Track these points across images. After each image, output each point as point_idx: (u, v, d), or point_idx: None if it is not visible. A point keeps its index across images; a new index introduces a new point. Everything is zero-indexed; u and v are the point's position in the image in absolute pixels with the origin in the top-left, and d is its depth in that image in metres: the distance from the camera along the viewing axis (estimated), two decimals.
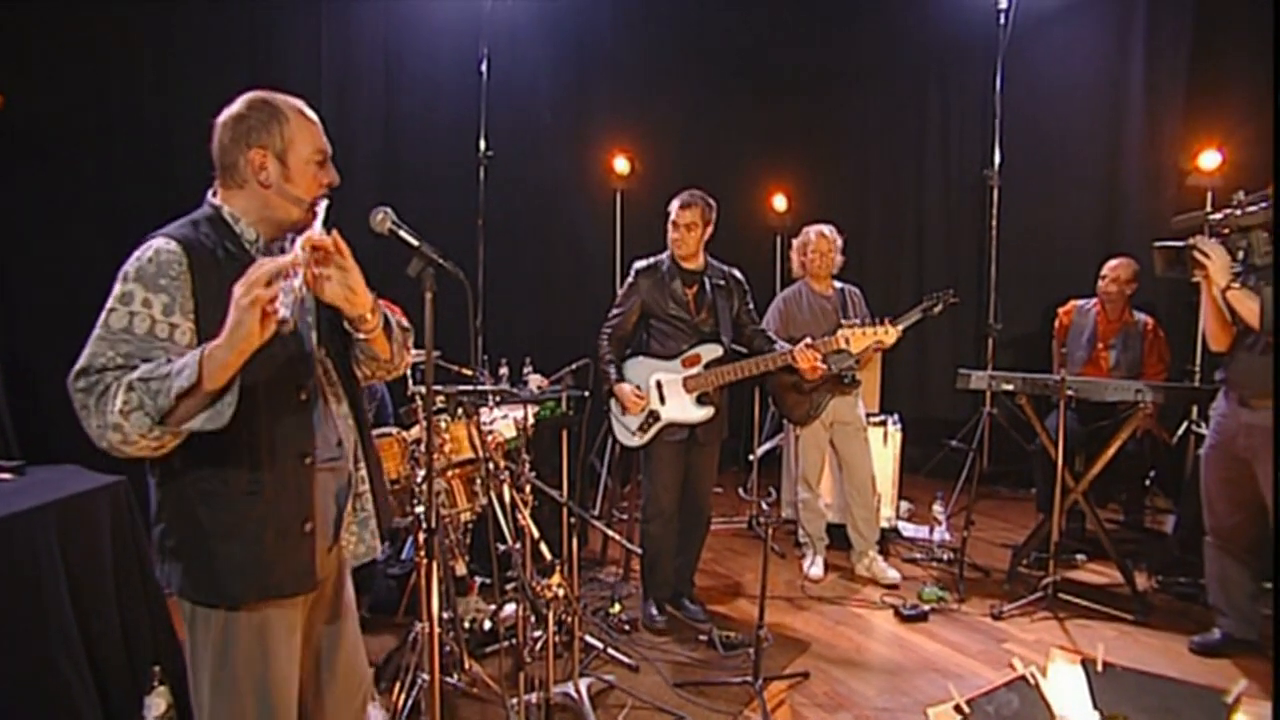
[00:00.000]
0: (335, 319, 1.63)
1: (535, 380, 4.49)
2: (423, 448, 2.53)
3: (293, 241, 1.64)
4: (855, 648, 3.37)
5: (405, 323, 1.77)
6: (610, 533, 3.14)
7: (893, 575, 4.06)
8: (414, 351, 3.00)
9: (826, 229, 4.14)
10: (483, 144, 5.34)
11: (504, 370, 4.60)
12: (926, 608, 3.68)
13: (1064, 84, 5.68)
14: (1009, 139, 5.74)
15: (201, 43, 4.04)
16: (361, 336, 1.61)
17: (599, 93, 6.04)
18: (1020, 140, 5.75)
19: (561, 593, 2.10)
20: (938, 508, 4.73)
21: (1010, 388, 3.82)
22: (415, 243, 1.66)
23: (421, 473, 2.53)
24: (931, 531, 4.69)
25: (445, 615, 2.98)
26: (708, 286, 3.45)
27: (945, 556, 4.39)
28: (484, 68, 5.28)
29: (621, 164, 5.82)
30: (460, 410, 2.70)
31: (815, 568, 4.18)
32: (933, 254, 6.58)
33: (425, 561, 1.76)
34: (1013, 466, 5.73)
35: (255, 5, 4.31)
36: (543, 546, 2.23)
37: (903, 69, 6.60)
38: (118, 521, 2.43)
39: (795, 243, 4.25)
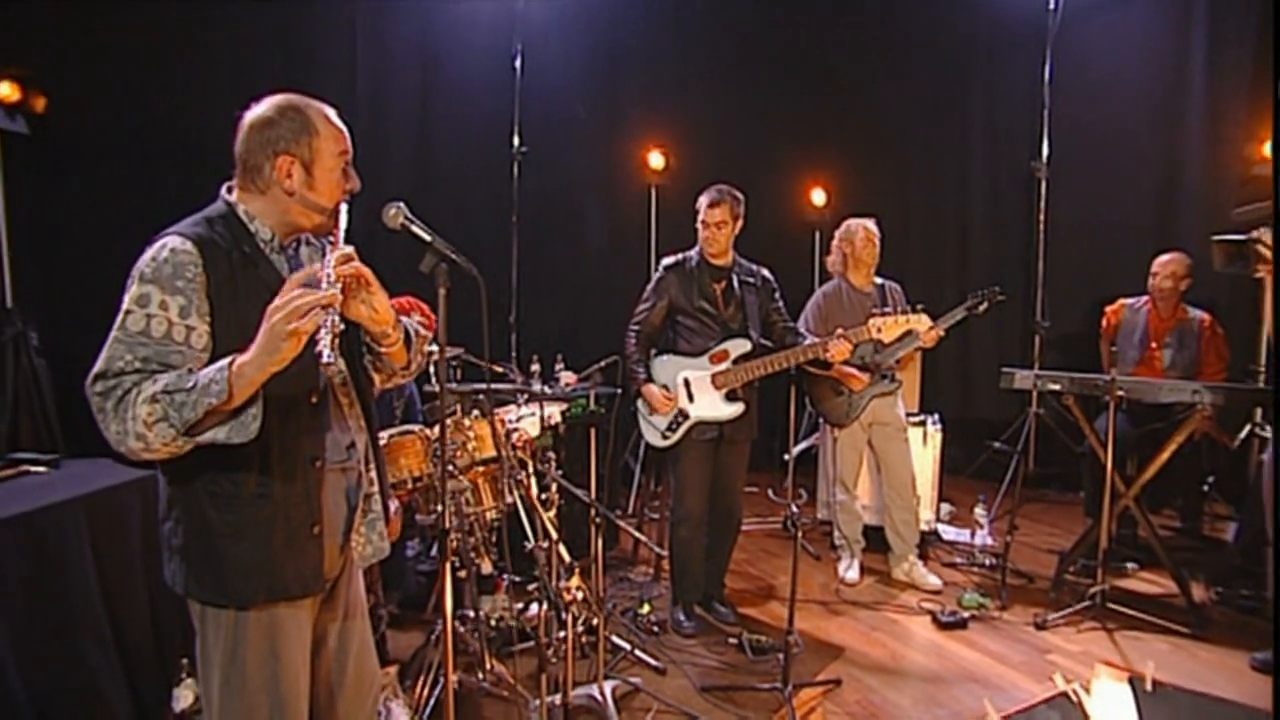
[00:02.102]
0: (349, 321, 1.61)
1: (567, 377, 4.46)
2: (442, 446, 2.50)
3: (309, 244, 1.63)
4: (890, 655, 3.27)
5: (422, 329, 1.74)
6: (636, 534, 3.09)
7: (933, 581, 3.93)
8: (435, 349, 3.02)
9: (868, 222, 4.02)
10: (516, 140, 5.33)
11: (535, 367, 4.58)
12: (966, 615, 3.55)
13: (1117, 71, 5.44)
14: (1058, 130, 5.53)
15: (237, 42, 4.11)
16: (382, 350, 1.62)
17: (633, 87, 5.99)
18: (1070, 131, 5.53)
19: (581, 595, 2.06)
20: (980, 511, 4.57)
21: (1057, 388, 3.67)
22: (428, 238, 1.63)
23: (446, 470, 2.51)
24: (973, 535, 4.54)
25: (470, 613, 2.97)
26: (735, 283, 3.38)
27: (987, 561, 4.24)
28: (517, 64, 5.27)
29: (656, 159, 5.76)
30: (476, 409, 2.67)
31: (851, 571, 4.08)
32: (977, 249, 6.37)
33: (441, 562, 1.71)
34: (1060, 468, 5.53)
35: (290, 4, 4.35)
36: (561, 548, 2.18)
37: (946, 58, 6.39)
38: (148, 515, 2.46)
39: (836, 236, 4.13)
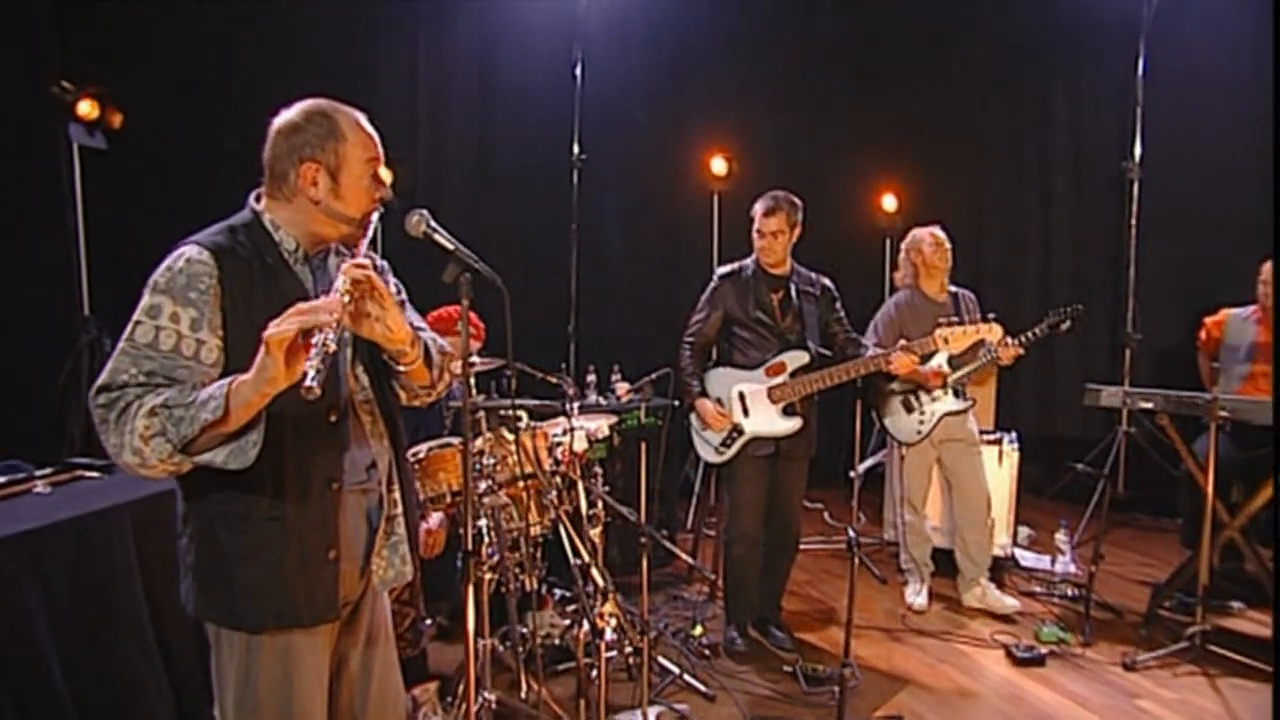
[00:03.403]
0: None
1: (623, 388, 4.38)
2: (485, 460, 2.45)
3: (339, 254, 1.58)
4: (958, 690, 3.04)
5: (446, 345, 1.67)
6: (686, 557, 2.96)
7: (1010, 603, 3.68)
8: (479, 361, 2.98)
9: (934, 229, 3.81)
10: (576, 147, 5.29)
11: (591, 377, 4.52)
12: (1044, 650, 3.28)
13: (1218, 63, 5.02)
14: (1151, 127, 5.14)
15: (302, 52, 4.21)
16: (401, 369, 1.55)
17: (695, 91, 5.88)
18: (1165, 128, 5.14)
19: (615, 622, 1.96)
20: (1061, 536, 4.26)
21: (1150, 406, 3.38)
22: (450, 247, 1.56)
23: (483, 485, 2.45)
24: (1053, 562, 4.24)
25: (516, 630, 2.91)
26: (794, 292, 3.23)
27: (1069, 592, 3.93)
28: (577, 70, 5.23)
29: (719, 165, 5.63)
30: (503, 425, 2.60)
31: (918, 597, 3.84)
32: (1060, 256, 5.97)
33: (464, 585, 1.63)
34: (1152, 491, 5.10)
35: (354, 11, 4.43)
36: (595, 572, 2.08)
37: (1026, 52, 6.03)
38: None
39: (902, 249, 3.91)
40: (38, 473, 2.54)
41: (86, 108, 3.56)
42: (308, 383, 1.19)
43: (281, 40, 4.16)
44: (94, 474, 2.53)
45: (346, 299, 1.30)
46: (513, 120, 5.18)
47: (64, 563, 2.12)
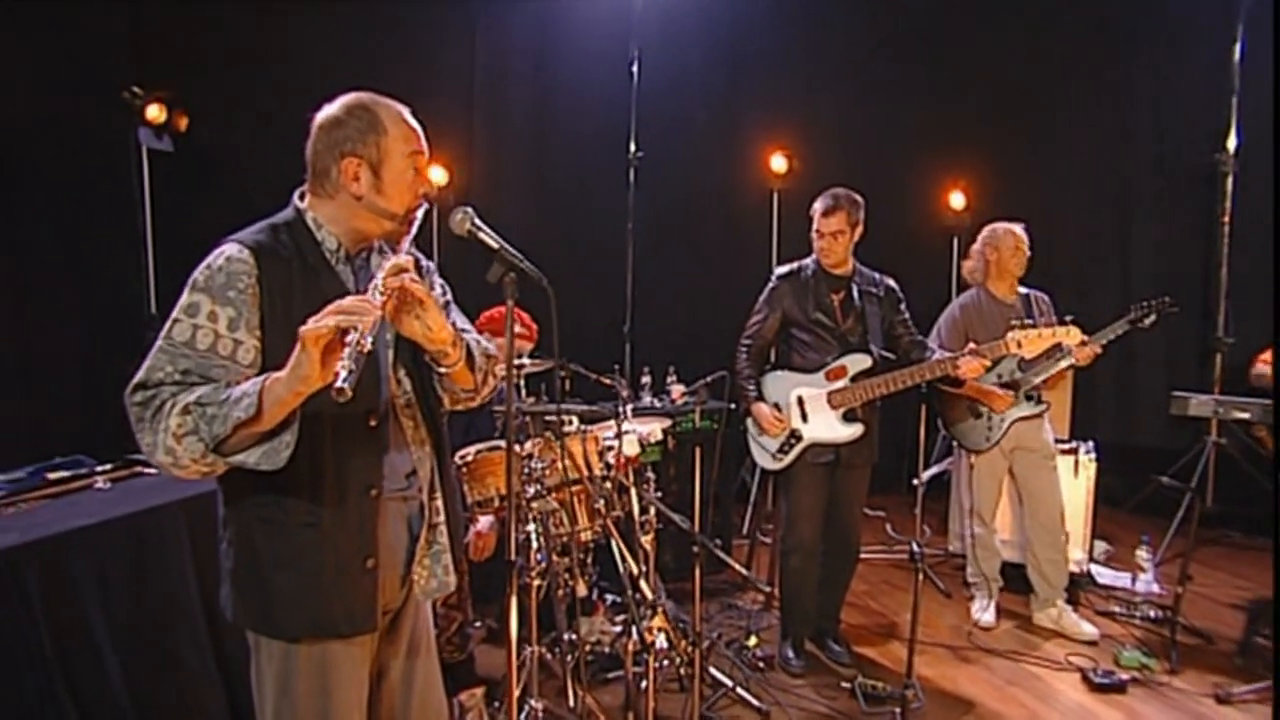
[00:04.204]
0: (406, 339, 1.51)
1: (678, 390, 4.29)
2: (534, 464, 2.40)
3: (382, 252, 1.54)
4: (1029, 716, 2.86)
5: (491, 348, 1.61)
6: (739, 567, 2.86)
7: (1088, 630, 3.46)
8: (529, 362, 2.93)
9: (1016, 227, 3.59)
10: (633, 145, 5.23)
11: (646, 379, 4.45)
12: (1125, 677, 3.07)
13: None
14: (1248, 116, 4.79)
15: (359, 51, 4.25)
16: (443, 370, 1.50)
17: (754, 87, 5.74)
18: (1264, 118, 4.78)
19: (664, 638, 1.88)
20: (1143, 553, 4.00)
21: (1246, 416, 3.15)
22: (495, 245, 1.50)
23: (532, 489, 2.40)
24: (1134, 580, 3.98)
25: (565, 636, 2.86)
26: (855, 293, 3.09)
27: (1153, 613, 3.67)
28: (634, 68, 5.16)
29: (779, 162, 5.49)
30: (548, 430, 2.54)
31: (986, 614, 3.65)
32: (1141, 254, 5.63)
33: (506, 598, 1.57)
34: (1247, 508, 4.76)
35: (410, 13, 4.46)
36: (644, 584, 2.00)
37: (1106, 37, 5.71)
38: None
39: (979, 240, 3.71)
40: (99, 468, 2.59)
41: (154, 112, 3.66)
42: (339, 384, 1.15)
43: (339, 42, 4.22)
44: (151, 470, 2.57)
45: (384, 297, 1.26)
46: (569, 119, 5.15)
47: (121, 559, 2.15)
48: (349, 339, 1.18)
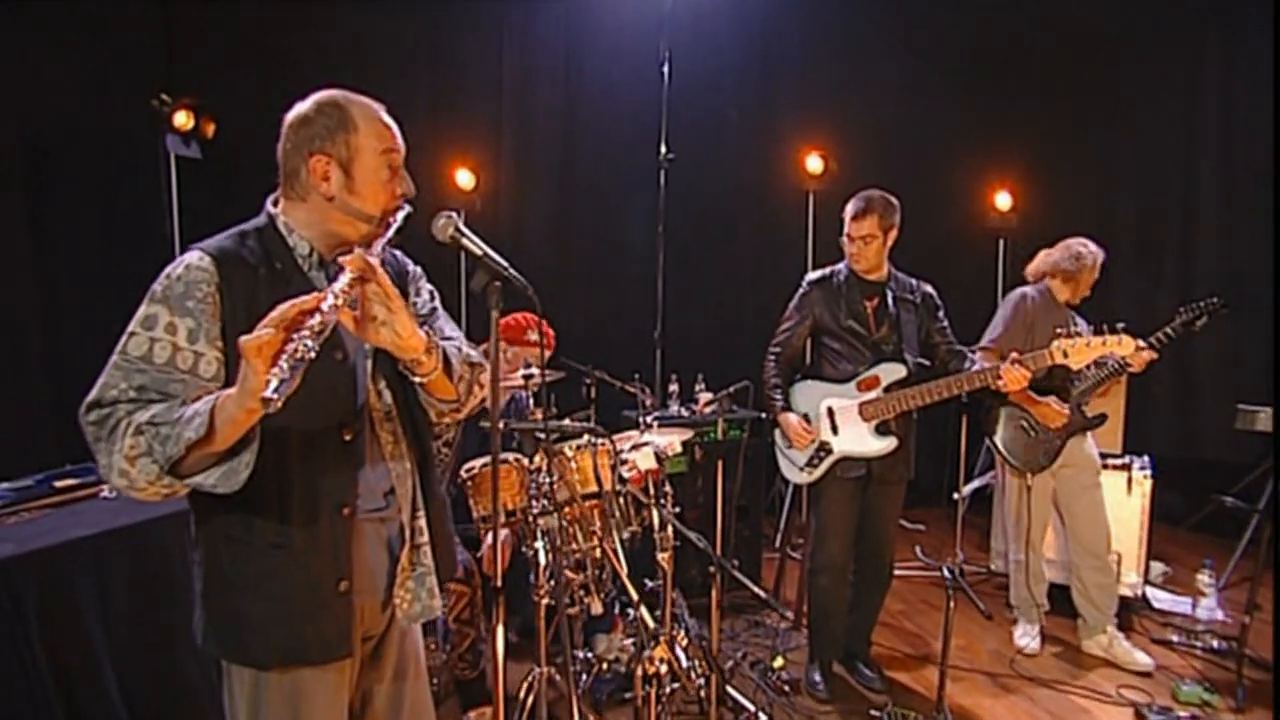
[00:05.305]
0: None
1: (705, 399, 4.16)
2: (542, 478, 2.30)
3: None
4: None
5: (476, 356, 1.51)
6: (756, 589, 2.71)
7: (1142, 660, 3.23)
8: (536, 373, 2.83)
9: (1103, 255, 3.38)
10: (663, 147, 5.11)
11: (674, 387, 4.33)
12: (1185, 715, 2.84)
13: None
14: None
15: (387, 54, 4.23)
16: (418, 380, 1.39)
17: (788, 87, 5.59)
18: None
19: (665, 669, 1.76)
20: (1204, 576, 3.73)
21: None
22: (479, 252, 1.40)
23: (539, 505, 2.30)
24: (1194, 606, 3.72)
25: (579, 654, 2.76)
26: (890, 300, 2.93)
27: (1215, 644, 3.42)
28: (665, 68, 5.05)
29: (814, 163, 5.32)
30: (540, 447, 2.43)
31: (1029, 639, 3.45)
32: (1205, 258, 5.30)
33: (492, 627, 1.47)
34: None
35: (438, 15, 4.43)
36: (644, 612, 1.88)
37: (1166, 29, 5.40)
38: None
39: (1059, 247, 3.43)
40: None
41: (182, 118, 3.67)
42: (268, 393, 1.03)
43: (367, 45, 4.20)
44: None
45: (340, 300, 1.16)
46: (599, 120, 5.08)
47: (121, 568, 2.13)
48: (288, 346, 1.08)
